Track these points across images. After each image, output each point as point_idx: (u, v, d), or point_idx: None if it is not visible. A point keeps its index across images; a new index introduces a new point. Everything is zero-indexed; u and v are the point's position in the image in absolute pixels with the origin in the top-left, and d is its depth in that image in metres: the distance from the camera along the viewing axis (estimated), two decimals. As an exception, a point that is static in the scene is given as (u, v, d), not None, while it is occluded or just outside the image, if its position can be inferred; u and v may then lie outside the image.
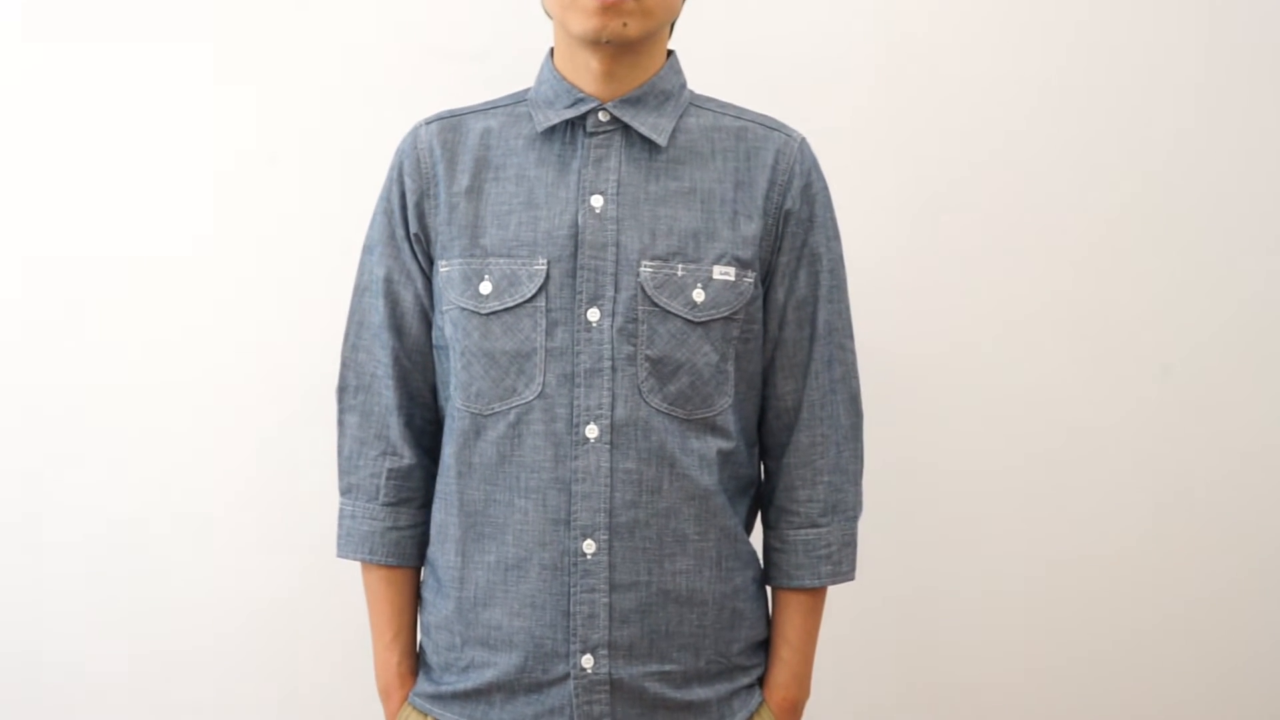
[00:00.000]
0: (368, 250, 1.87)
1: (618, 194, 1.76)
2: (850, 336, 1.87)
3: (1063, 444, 2.39)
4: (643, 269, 1.74)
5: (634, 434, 1.73)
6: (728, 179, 1.79)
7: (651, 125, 1.78)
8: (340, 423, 1.88)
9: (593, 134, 1.78)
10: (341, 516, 1.87)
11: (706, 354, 1.76)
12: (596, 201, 1.76)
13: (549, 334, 1.74)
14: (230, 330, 2.39)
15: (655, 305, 1.74)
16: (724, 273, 1.76)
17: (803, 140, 1.84)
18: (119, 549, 2.39)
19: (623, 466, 1.73)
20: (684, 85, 1.84)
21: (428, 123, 1.85)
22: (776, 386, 1.84)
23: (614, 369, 1.73)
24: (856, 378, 1.87)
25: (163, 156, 2.37)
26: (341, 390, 1.88)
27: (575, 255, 1.75)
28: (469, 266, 1.78)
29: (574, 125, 1.79)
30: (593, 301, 1.74)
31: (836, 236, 1.86)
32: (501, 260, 1.76)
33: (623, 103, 1.78)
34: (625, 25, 1.71)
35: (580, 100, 1.78)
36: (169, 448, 2.39)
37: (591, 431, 1.73)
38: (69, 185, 2.36)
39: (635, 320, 1.74)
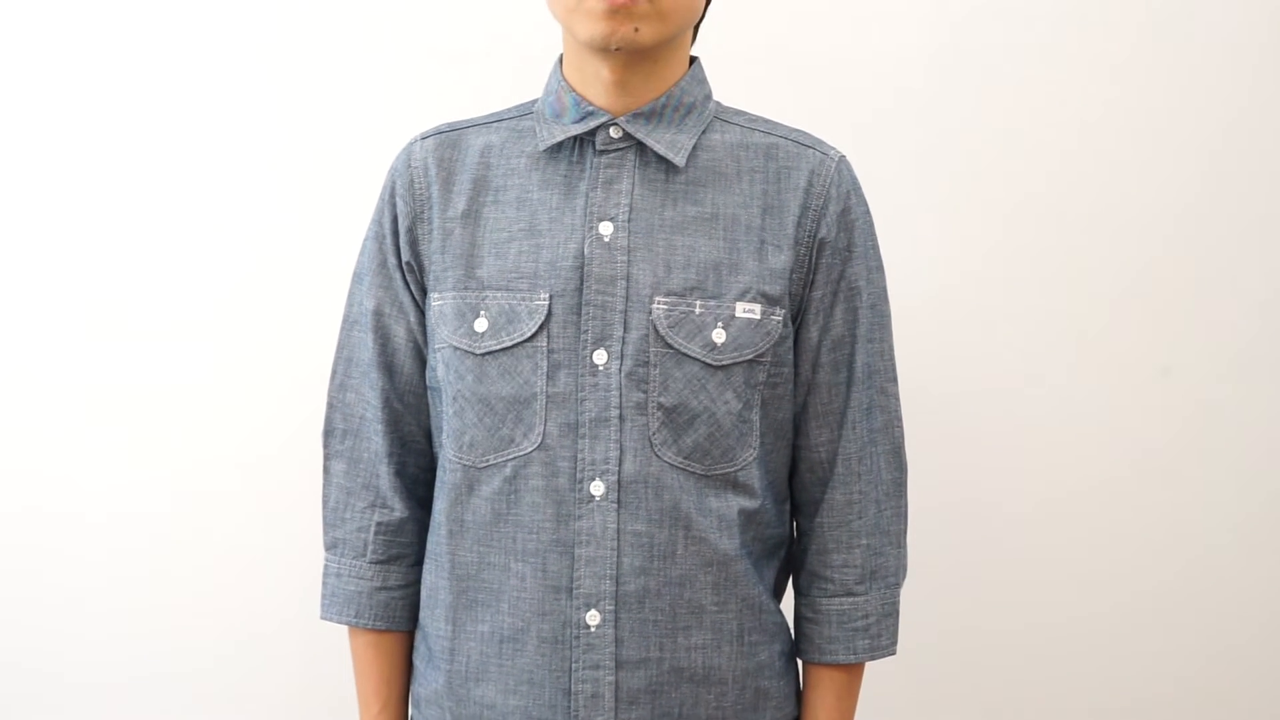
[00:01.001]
0: (357, 279, 1.69)
1: (629, 220, 1.56)
2: (893, 380, 1.66)
3: (1127, 474, 2.22)
4: (655, 306, 1.54)
5: (644, 492, 1.54)
6: (755, 203, 1.59)
7: (669, 143, 1.58)
8: (325, 470, 1.70)
9: (603, 152, 1.59)
10: (326, 575, 1.69)
11: (727, 402, 1.56)
12: (605, 229, 1.56)
13: (550, 378, 1.55)
14: (239, 330, 2.26)
15: (669, 347, 1.54)
16: (748, 310, 1.56)
17: (841, 159, 1.63)
18: (121, 552, 2.27)
19: (631, 528, 1.54)
20: (708, 97, 1.64)
21: (423, 138, 1.67)
22: (809, 437, 1.64)
23: (622, 418, 1.54)
24: (900, 427, 1.66)
25: (160, 156, 2.24)
26: (327, 434, 1.70)
27: (580, 290, 1.55)
28: (463, 301, 1.59)
29: (582, 142, 1.60)
30: (599, 342, 1.55)
31: (879, 268, 1.65)
32: (499, 294, 1.57)
33: (636, 117, 1.58)
34: (637, 30, 1.51)
35: (590, 114, 1.58)
36: (180, 448, 2.26)
37: (597, 488, 1.54)
38: (67, 185, 2.24)
39: (646, 364, 1.54)
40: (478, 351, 1.57)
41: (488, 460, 1.57)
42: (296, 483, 2.05)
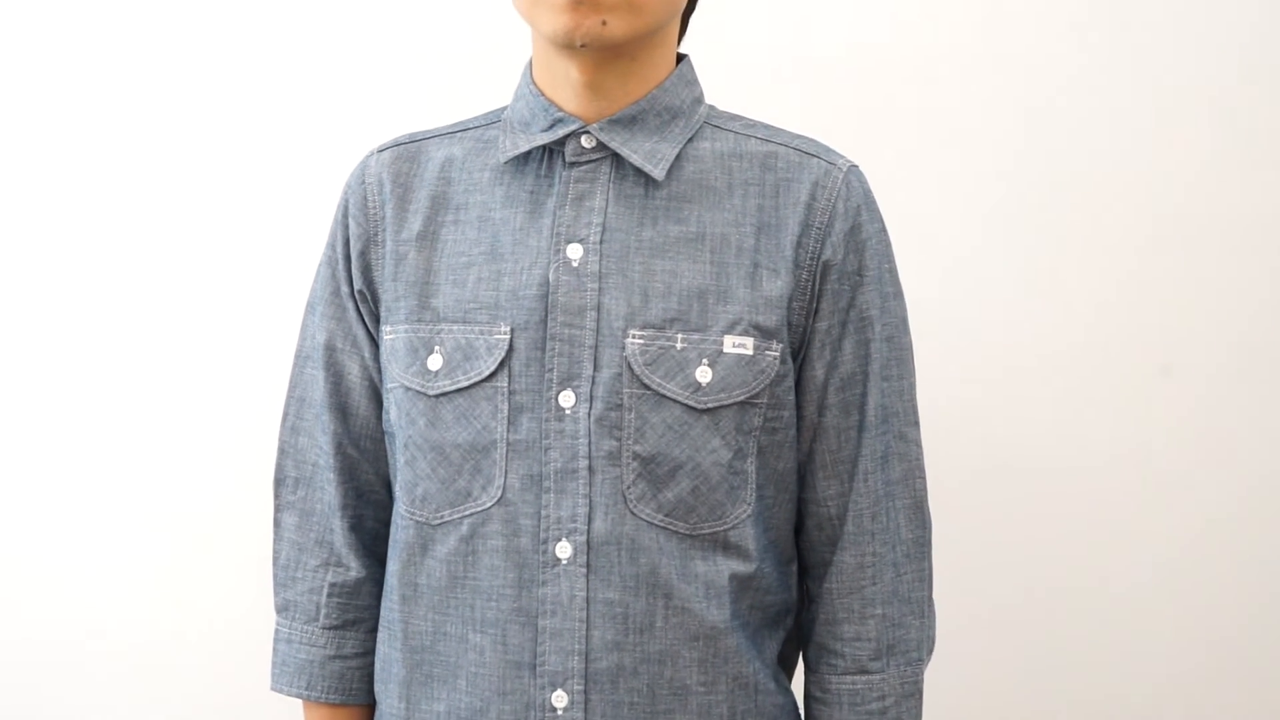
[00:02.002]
0: (309, 309, 1.51)
1: (601, 242, 1.36)
2: (914, 424, 1.44)
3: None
4: (630, 340, 1.34)
5: (617, 554, 1.34)
6: (748, 221, 1.38)
7: (647, 152, 1.37)
8: (276, 523, 1.52)
9: (573, 164, 1.39)
10: (276, 640, 1.51)
11: (715, 450, 1.35)
12: (574, 252, 1.36)
13: (512, 423, 1.35)
14: (237, 336, 2.09)
15: (646, 387, 1.34)
16: (739, 344, 1.35)
17: (851, 169, 1.41)
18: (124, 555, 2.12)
19: (603, 596, 1.33)
20: (698, 100, 1.43)
21: (380, 150, 1.48)
22: (816, 490, 1.42)
23: (591, 470, 1.34)
24: (921, 478, 1.44)
25: (155, 157, 2.08)
26: (278, 483, 1.51)
27: (545, 322, 1.35)
28: (416, 335, 1.40)
29: (551, 153, 1.40)
30: (565, 382, 1.35)
31: (896, 294, 1.43)
32: (456, 327, 1.38)
33: (612, 124, 1.38)
34: (605, 24, 1.31)
35: (559, 121, 1.39)
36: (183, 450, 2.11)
37: (563, 550, 1.34)
38: (64, 185, 2.10)
39: (619, 407, 1.34)
40: (431, 392, 1.38)
41: (442, 516, 1.38)
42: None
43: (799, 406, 1.41)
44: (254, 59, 2.04)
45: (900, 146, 1.97)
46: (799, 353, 1.40)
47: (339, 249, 1.47)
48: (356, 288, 1.45)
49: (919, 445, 1.44)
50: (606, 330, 1.35)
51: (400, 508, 1.42)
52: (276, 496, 1.51)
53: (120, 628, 2.09)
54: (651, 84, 1.40)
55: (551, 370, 1.35)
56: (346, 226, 1.46)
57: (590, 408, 1.34)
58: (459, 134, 1.47)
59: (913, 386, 1.44)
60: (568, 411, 1.34)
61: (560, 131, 1.38)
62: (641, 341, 1.34)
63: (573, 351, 1.35)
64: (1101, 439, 2.03)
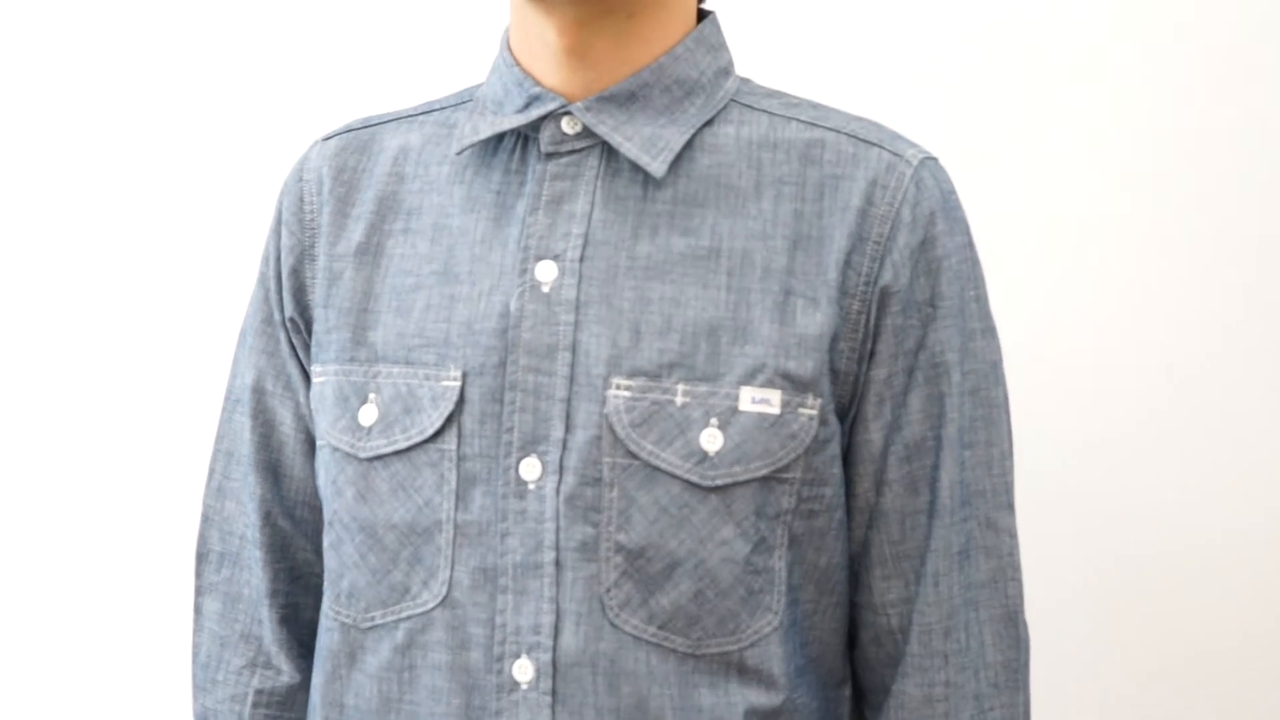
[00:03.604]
0: (240, 340, 1.19)
1: (581, 260, 1.02)
2: (1007, 506, 1.07)
3: None
4: (614, 392, 1.00)
5: (592, 680, 0.99)
6: (779, 232, 1.03)
7: (646, 140, 1.03)
8: (196, 609, 1.20)
9: (551, 155, 1.05)
10: (192, 758, 1.20)
11: (726, 542, 1.00)
12: (545, 272, 1.03)
13: (461, 499, 1.02)
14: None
15: (633, 456, 0.99)
16: (760, 399, 1.00)
17: (924, 162, 1.05)
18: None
19: (573, 735, 0.99)
20: (725, 70, 1.08)
21: (325, 139, 1.16)
22: (872, 592, 1.06)
23: (560, 565, 1.00)
24: (1016, 579, 1.07)
25: (155, 156, 1.84)
26: (200, 558, 1.20)
27: (505, 365, 1.02)
28: (347, 379, 1.07)
29: (526, 141, 1.07)
30: (529, 446, 1.01)
31: (984, 331, 1.07)
32: (395, 370, 1.05)
33: (603, 102, 1.04)
34: None
35: (536, 99, 1.05)
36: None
37: (522, 671, 1.00)
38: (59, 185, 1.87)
39: (598, 482, 1.00)
40: (362, 455, 1.06)
41: (373, 619, 1.05)
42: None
43: (849, 482, 1.05)
44: (241, 52, 1.77)
45: (1005, 134, 1.59)
46: (848, 411, 1.04)
47: (270, 265, 1.15)
48: (288, 314, 1.13)
49: (1013, 536, 1.07)
50: (583, 378, 1.00)
51: (325, 604, 1.09)
52: (198, 575, 1.20)
53: (121, 627, 1.88)
54: (658, 49, 1.06)
55: (511, 430, 1.01)
56: (279, 236, 1.15)
57: (560, 481, 1.00)
58: (419, 117, 1.14)
59: (1006, 456, 1.07)
60: (531, 486, 1.01)
61: (535, 112, 1.04)
62: (629, 394, 1.00)
63: (538, 406, 1.01)
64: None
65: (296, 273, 1.13)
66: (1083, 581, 1.64)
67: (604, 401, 1.00)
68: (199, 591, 1.20)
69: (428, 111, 1.14)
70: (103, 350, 1.86)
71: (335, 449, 1.07)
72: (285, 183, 1.16)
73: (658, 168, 1.02)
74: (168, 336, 1.84)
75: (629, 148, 1.03)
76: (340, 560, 1.07)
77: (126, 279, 1.84)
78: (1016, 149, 1.58)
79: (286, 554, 1.16)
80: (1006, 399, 1.08)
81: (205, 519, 1.20)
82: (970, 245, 1.06)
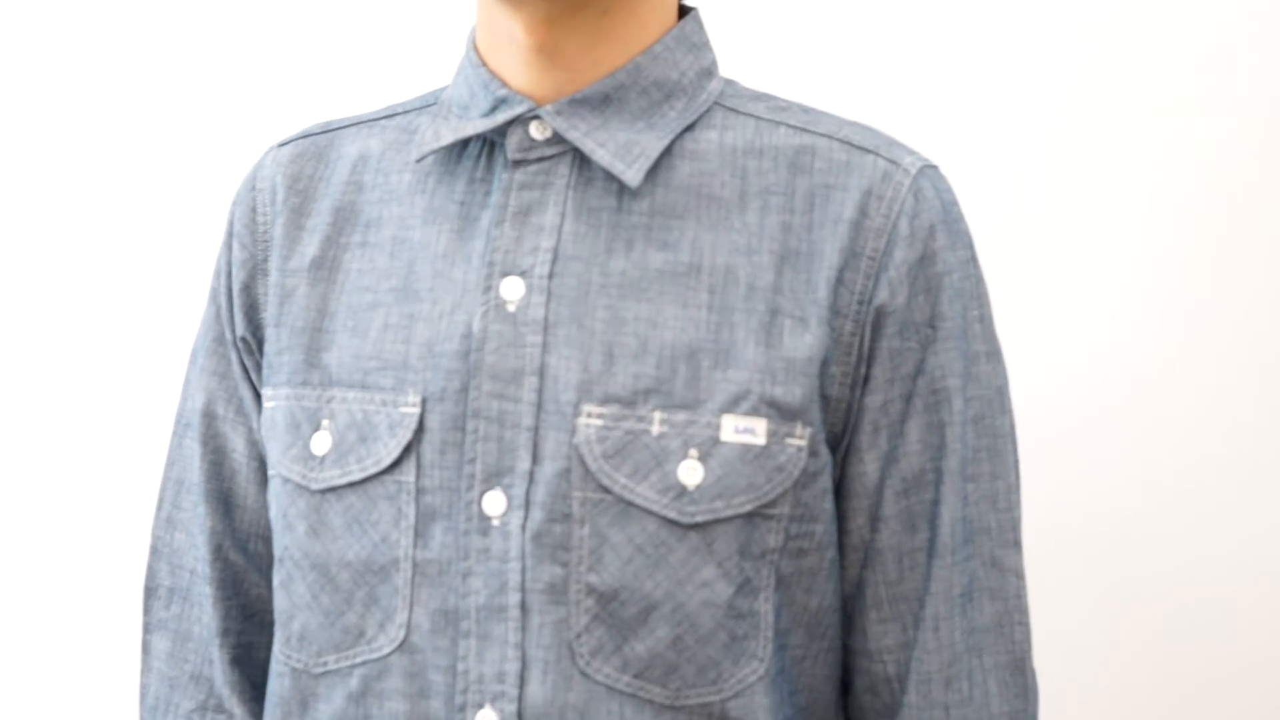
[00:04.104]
0: (192, 359, 1.12)
1: (550, 276, 0.95)
2: (1013, 545, 0.99)
3: None
4: (585, 420, 0.92)
5: None
6: (765, 247, 0.95)
7: (620, 147, 0.95)
8: (144, 648, 1.12)
9: (519, 163, 0.97)
10: (140, 807, 1.12)
11: (707, 584, 0.92)
12: (511, 290, 0.95)
13: (420, 535, 0.94)
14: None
15: (605, 490, 0.92)
16: (745, 429, 0.92)
17: (923, 171, 0.97)
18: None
19: (540, 794, 0.92)
20: (708, 71, 1.01)
21: (281, 145, 1.09)
22: (867, 637, 0.98)
23: (525, 608, 0.92)
24: (1023, 623, 0.99)
25: (154, 155, 1.78)
26: (149, 593, 1.12)
27: (468, 390, 0.94)
28: (299, 404, 1.00)
29: (493, 148, 0.99)
30: (493, 479, 0.93)
31: (989, 355, 0.99)
32: (351, 395, 0.98)
33: (575, 105, 0.96)
34: None
35: (503, 102, 0.97)
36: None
37: (485, 722, 0.92)
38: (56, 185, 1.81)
39: (567, 518, 0.92)
40: (314, 486, 0.98)
41: (325, 664, 0.97)
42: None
43: (842, 518, 0.97)
44: (197, 53, 1.70)
45: (1010, 141, 1.51)
46: (841, 441, 0.96)
47: (222, 280, 1.08)
48: (239, 334, 1.06)
49: (1020, 576, 0.99)
50: (551, 405, 0.93)
51: (275, 646, 1.02)
52: (146, 611, 1.12)
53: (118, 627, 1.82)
54: (635, 48, 0.98)
55: (474, 461, 0.93)
56: (230, 249, 1.07)
57: (526, 517, 0.92)
58: (382, 121, 1.06)
59: (1012, 489, 0.99)
60: (495, 522, 0.93)
61: (501, 116, 0.97)
62: (601, 423, 0.92)
63: (503, 435, 0.93)
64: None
65: (248, 289, 1.05)
66: (1081, 587, 1.57)
67: (574, 431, 0.92)
68: (147, 629, 1.12)
69: (390, 116, 1.07)
70: (75, 356, 1.80)
71: (286, 480, 0.99)
72: (238, 192, 1.09)
73: (633, 176, 0.94)
74: (149, 341, 1.79)
75: (602, 154, 0.95)
76: (291, 600, 0.99)
77: (99, 284, 1.78)
78: (1022, 157, 1.50)
79: (239, 590, 1.08)
80: (1013, 428, 1.00)
81: (154, 551, 1.12)
82: (973, 261, 0.98)
